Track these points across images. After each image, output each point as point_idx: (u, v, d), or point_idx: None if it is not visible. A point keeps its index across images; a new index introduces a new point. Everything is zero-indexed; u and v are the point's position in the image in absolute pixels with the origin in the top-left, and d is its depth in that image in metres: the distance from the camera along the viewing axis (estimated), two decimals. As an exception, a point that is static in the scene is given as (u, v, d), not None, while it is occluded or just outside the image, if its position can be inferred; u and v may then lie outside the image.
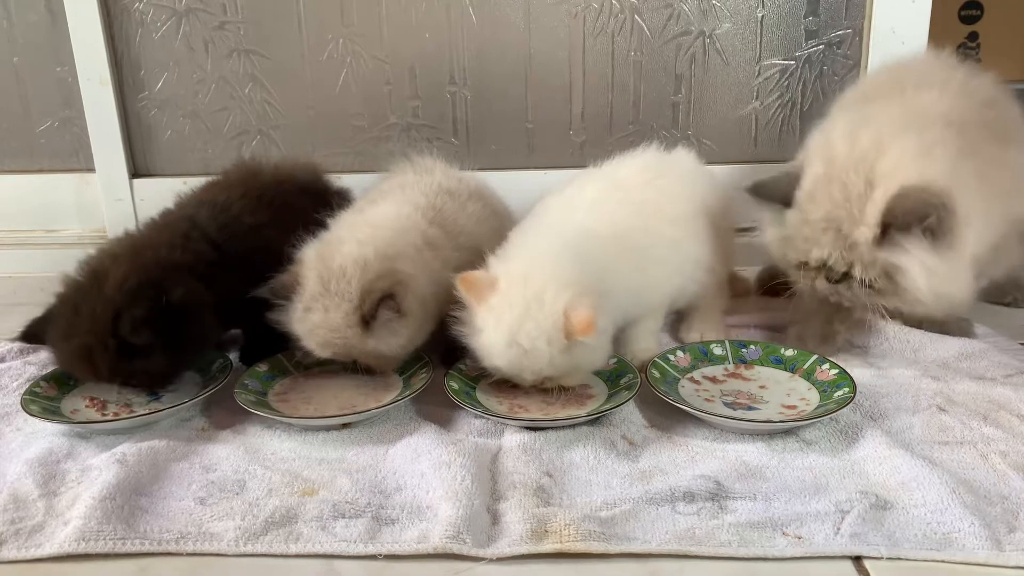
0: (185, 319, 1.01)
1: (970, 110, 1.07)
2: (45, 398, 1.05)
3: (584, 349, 0.98)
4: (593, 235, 1.08)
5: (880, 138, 1.01)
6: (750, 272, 1.44)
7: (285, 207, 1.17)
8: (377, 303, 1.00)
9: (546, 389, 1.03)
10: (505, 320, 0.97)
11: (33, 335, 1.06)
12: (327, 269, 1.03)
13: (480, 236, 1.19)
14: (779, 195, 1.07)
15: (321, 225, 1.12)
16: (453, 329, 1.04)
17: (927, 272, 0.98)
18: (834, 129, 1.07)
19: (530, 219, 1.14)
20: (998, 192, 1.04)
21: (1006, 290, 1.36)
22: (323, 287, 1.02)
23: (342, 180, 1.40)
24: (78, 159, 1.66)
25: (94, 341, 0.99)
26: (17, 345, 1.26)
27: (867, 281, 1.01)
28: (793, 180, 1.05)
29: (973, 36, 2.92)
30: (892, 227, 0.97)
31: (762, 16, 1.51)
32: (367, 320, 1.01)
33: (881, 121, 1.04)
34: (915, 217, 0.96)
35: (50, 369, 1.12)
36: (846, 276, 1.03)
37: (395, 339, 1.04)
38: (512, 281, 0.98)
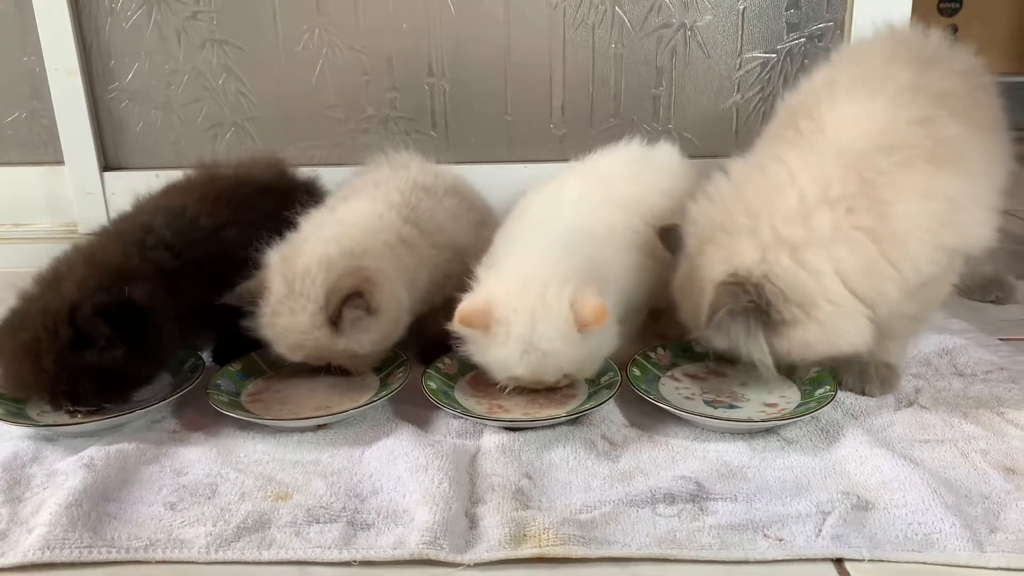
0: (146, 319, 0.97)
1: (898, 132, 0.96)
2: (11, 401, 1.02)
3: (598, 337, 0.98)
4: (580, 232, 1.06)
5: (710, 228, 0.98)
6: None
7: (245, 208, 1.14)
8: (342, 302, 0.98)
9: (552, 389, 1.03)
10: (516, 331, 0.95)
11: None
12: (291, 271, 1.00)
13: (457, 232, 1.17)
14: (673, 248, 1.05)
15: (288, 225, 1.09)
16: (432, 326, 1.02)
17: (783, 353, 0.95)
18: (704, 195, 1.02)
19: (513, 220, 1.12)
20: (924, 226, 0.94)
21: (989, 288, 1.36)
22: (288, 289, 1.00)
23: (319, 173, 1.37)
24: (47, 151, 1.62)
25: (43, 333, 0.94)
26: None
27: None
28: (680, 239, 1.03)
29: (953, 29, 2.94)
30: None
31: (743, 8, 1.50)
32: (334, 320, 0.99)
33: (734, 189, 1.00)
34: (732, 315, 0.93)
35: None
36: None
37: (367, 336, 1.02)
38: (511, 290, 0.97)
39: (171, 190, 1.19)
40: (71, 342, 0.94)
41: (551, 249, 1.01)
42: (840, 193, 0.93)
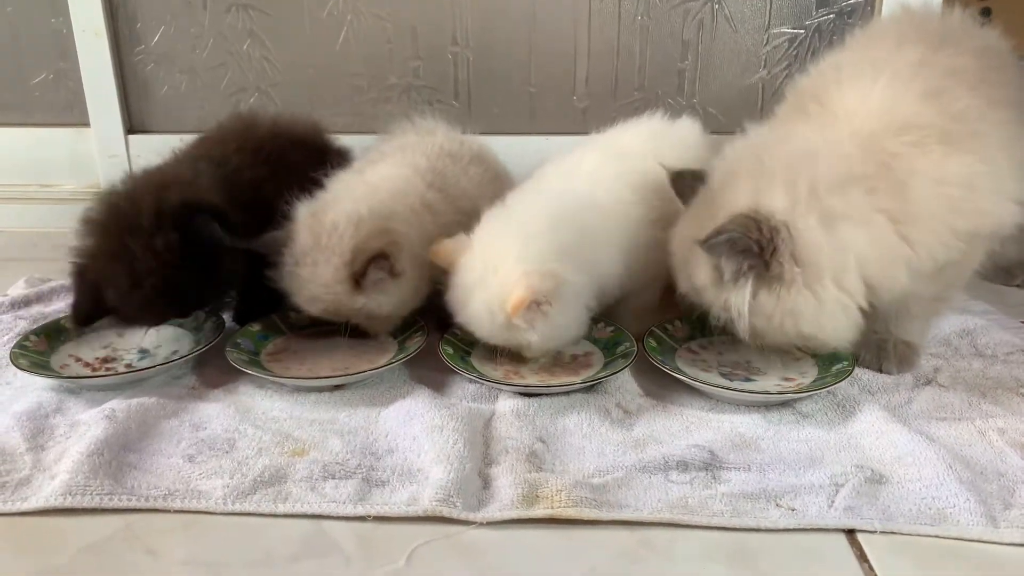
0: (229, 227, 1.00)
1: (906, 108, 0.94)
2: (35, 352, 1.04)
3: (523, 331, 0.96)
4: (590, 204, 1.06)
5: (735, 171, 0.94)
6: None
7: (283, 162, 1.14)
8: (368, 261, 0.99)
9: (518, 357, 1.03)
10: (463, 283, 0.98)
11: (87, 316, 1.02)
12: (319, 224, 1.01)
13: (481, 200, 1.16)
14: (685, 194, 1.00)
15: (319, 184, 1.10)
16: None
17: (762, 312, 0.90)
18: (738, 143, 0.99)
19: (528, 183, 1.12)
20: (938, 213, 0.91)
21: (1015, 272, 1.34)
22: (315, 242, 1.00)
23: (341, 141, 1.37)
24: (72, 113, 1.63)
25: (145, 262, 0.95)
26: (8, 299, 1.25)
27: (725, 321, 0.94)
28: (697, 183, 0.98)
29: (986, 11, 2.88)
30: (713, 265, 0.90)
31: (773, -18, 1.48)
32: (357, 278, 0.99)
33: (767, 144, 0.96)
34: (721, 240, 0.88)
35: (41, 323, 1.11)
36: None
37: (386, 298, 1.02)
38: (482, 246, 0.98)
39: (206, 140, 1.19)
40: (182, 249, 0.97)
41: (536, 222, 0.99)
42: (862, 172, 0.91)
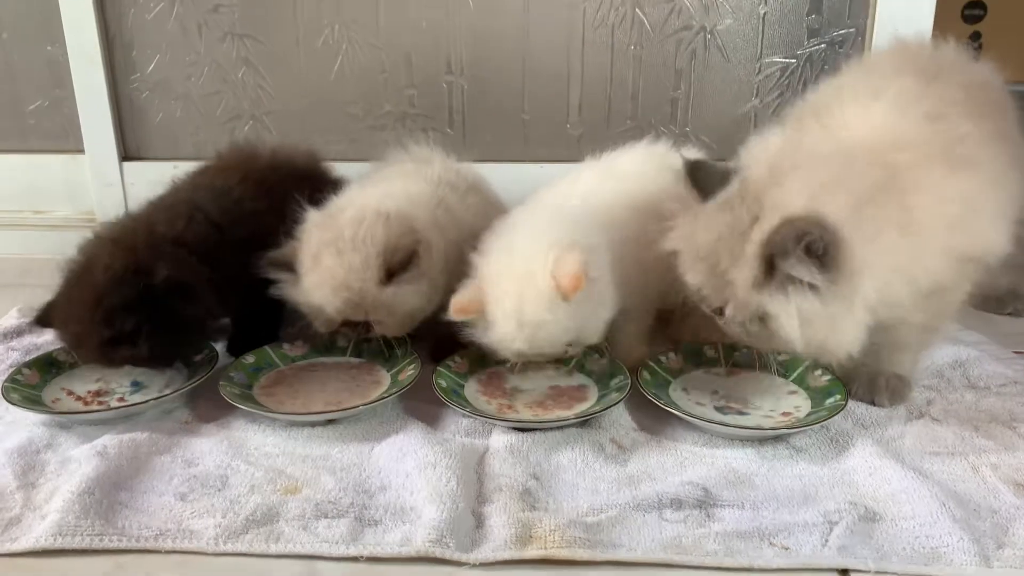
0: (174, 300, 0.99)
1: (909, 126, 0.94)
2: (27, 386, 1.04)
3: (589, 300, 0.96)
4: (577, 207, 1.07)
5: (781, 168, 0.90)
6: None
7: (284, 194, 1.14)
8: (408, 259, 1.00)
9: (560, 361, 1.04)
10: (508, 307, 0.96)
11: (43, 319, 1.05)
12: (338, 221, 1.02)
13: (477, 229, 1.17)
14: (703, 186, 0.95)
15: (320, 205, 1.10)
16: (443, 324, 1.03)
17: (803, 320, 0.87)
18: (760, 146, 0.97)
19: (522, 207, 1.12)
20: (939, 230, 0.91)
21: (1006, 301, 1.35)
22: (336, 234, 1.00)
23: (336, 168, 1.38)
24: (67, 140, 1.63)
25: (82, 329, 0.98)
26: (1, 329, 1.24)
27: (740, 321, 0.92)
28: (722, 180, 0.94)
29: (976, 36, 2.91)
30: (774, 264, 0.86)
31: (764, 13, 1.49)
32: (393, 271, 1.00)
33: (793, 147, 0.94)
34: (792, 240, 0.84)
35: (33, 356, 1.10)
36: (722, 311, 0.94)
37: (411, 294, 1.03)
38: (499, 271, 0.98)
39: (208, 170, 1.20)
40: (106, 340, 0.98)
41: (537, 223, 1.01)
42: (872, 184, 0.89)
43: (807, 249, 0.84)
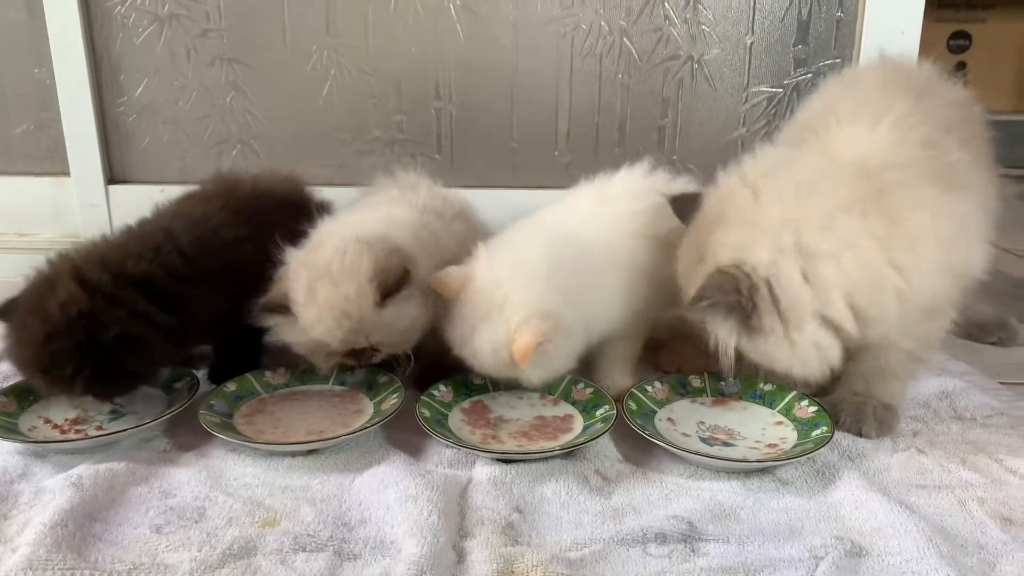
0: (120, 353, 0.97)
1: (907, 152, 0.97)
2: (3, 414, 1.02)
3: (525, 369, 0.98)
4: (580, 242, 1.06)
5: (732, 206, 0.96)
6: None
7: (264, 222, 1.14)
8: (401, 278, 1.01)
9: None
10: (466, 319, 0.98)
11: (3, 311, 1.03)
12: (323, 255, 1.02)
13: (463, 256, 1.17)
14: (683, 215, 1.02)
15: (300, 239, 1.09)
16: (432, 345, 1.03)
17: (755, 353, 0.94)
18: (735, 171, 1.00)
19: (524, 222, 1.12)
20: (932, 242, 0.93)
21: (990, 330, 1.35)
22: (323, 270, 1.01)
23: (323, 193, 1.38)
24: (53, 163, 1.63)
25: (26, 355, 0.98)
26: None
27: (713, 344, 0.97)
28: (696, 204, 1.00)
29: (961, 65, 2.95)
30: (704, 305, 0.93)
31: (751, 43, 1.50)
32: (387, 293, 1.01)
33: (760, 176, 0.96)
34: (711, 300, 0.92)
35: (10, 383, 1.09)
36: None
37: (410, 312, 1.04)
38: (487, 279, 0.99)
39: (190, 198, 1.19)
40: (44, 370, 0.97)
41: (539, 262, 1.00)
42: (855, 197, 0.92)
43: (714, 307, 0.92)
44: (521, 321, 0.95)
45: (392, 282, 1.01)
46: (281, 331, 1.05)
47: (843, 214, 0.91)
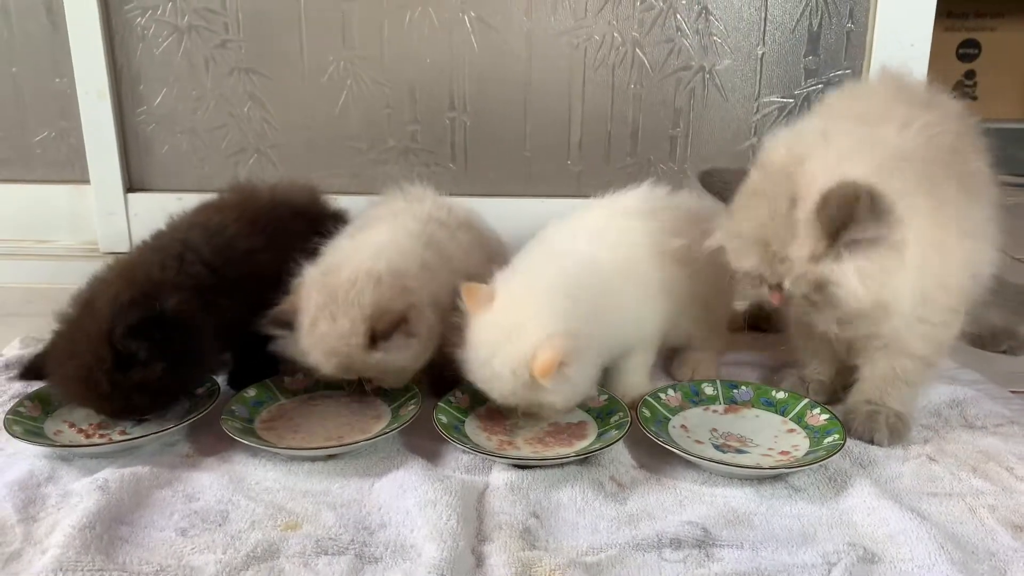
0: (181, 329, 1.00)
1: (934, 152, 1.00)
2: (29, 419, 1.04)
3: (545, 391, 0.97)
4: (596, 264, 1.08)
5: (805, 148, 0.97)
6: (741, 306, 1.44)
7: (280, 232, 1.16)
8: (394, 324, 1.01)
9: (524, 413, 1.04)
10: (486, 339, 0.98)
11: (33, 370, 1.05)
12: (335, 281, 1.03)
13: (469, 265, 1.19)
14: (720, 190, 1.03)
15: (315, 250, 1.11)
16: (445, 356, 1.04)
17: (862, 277, 0.92)
18: (779, 137, 1.02)
19: (536, 242, 1.14)
20: (958, 231, 0.97)
21: (1000, 338, 1.36)
22: (330, 298, 1.02)
23: (339, 202, 1.40)
24: (73, 170, 1.65)
25: (92, 359, 0.97)
26: (2, 359, 1.25)
27: (801, 294, 0.96)
28: (737, 179, 1.01)
29: (970, 74, 2.96)
30: (834, 234, 0.91)
31: (762, 54, 1.52)
32: (377, 337, 1.01)
33: (819, 138, 0.99)
34: (848, 206, 0.89)
35: (36, 387, 1.11)
36: (780, 287, 0.98)
37: (401, 356, 1.04)
38: (506, 301, 0.99)
39: (206, 208, 1.21)
40: (116, 362, 0.96)
41: (557, 282, 1.02)
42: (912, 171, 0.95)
43: (862, 210, 0.89)
44: (543, 339, 0.95)
45: (384, 327, 1.01)
46: (285, 345, 1.07)
47: (907, 166, 0.94)
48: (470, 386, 1.08)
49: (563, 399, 1.01)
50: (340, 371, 1.04)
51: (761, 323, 1.39)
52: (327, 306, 1.02)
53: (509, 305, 1.00)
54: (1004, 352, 1.37)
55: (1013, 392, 1.21)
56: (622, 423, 1.03)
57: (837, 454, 0.97)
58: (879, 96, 1.10)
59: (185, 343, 1.01)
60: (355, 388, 1.10)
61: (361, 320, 1.01)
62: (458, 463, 1.00)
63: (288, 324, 1.04)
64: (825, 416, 1.05)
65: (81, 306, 1.02)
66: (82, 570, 0.79)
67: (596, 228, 1.14)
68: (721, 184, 1.03)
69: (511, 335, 0.97)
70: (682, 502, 0.93)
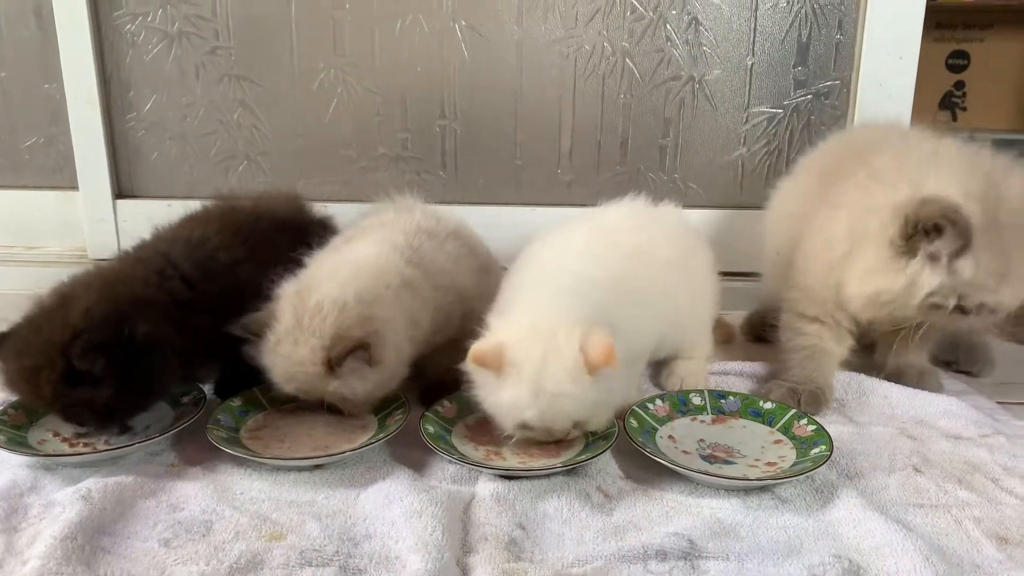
0: (143, 358, 0.99)
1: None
2: (12, 427, 1.03)
3: (609, 381, 0.96)
4: (588, 280, 1.07)
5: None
6: (734, 317, 1.44)
7: (263, 243, 1.15)
8: (347, 351, 0.99)
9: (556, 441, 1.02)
10: (527, 373, 0.94)
11: None
12: (304, 305, 1.02)
13: (459, 275, 1.18)
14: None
15: (299, 263, 1.11)
16: (431, 369, 1.03)
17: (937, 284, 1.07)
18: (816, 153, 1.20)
19: (521, 267, 1.12)
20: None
21: (969, 359, 1.35)
22: (296, 322, 1.01)
23: (328, 209, 1.39)
24: (62, 176, 1.65)
25: (43, 361, 0.95)
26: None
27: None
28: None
29: (960, 85, 2.97)
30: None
31: (752, 64, 1.53)
32: (334, 364, 1.00)
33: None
34: (957, 227, 1.03)
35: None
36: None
37: (361, 385, 1.03)
38: (523, 334, 0.97)
39: (190, 221, 1.20)
40: (66, 375, 0.95)
41: (561, 294, 1.01)
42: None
43: (957, 228, 1.04)
44: (584, 334, 0.94)
45: (338, 353, 1.00)
46: (256, 352, 1.06)
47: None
48: (457, 396, 1.08)
49: (625, 387, 1.04)
50: (301, 394, 1.05)
51: (764, 333, 1.38)
52: (292, 332, 1.01)
53: (530, 334, 0.96)
54: (969, 374, 1.35)
55: (999, 403, 1.21)
56: (609, 433, 1.03)
57: (823, 465, 0.97)
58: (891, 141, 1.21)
59: (141, 373, 0.99)
60: (326, 408, 1.08)
61: (320, 349, 1.00)
62: (444, 473, 0.99)
63: (257, 334, 1.04)
64: (812, 427, 1.06)
65: (54, 304, 1.00)
66: (63, 582, 0.78)
67: (583, 245, 1.13)
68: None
69: (549, 355, 0.94)
70: (668, 513, 0.93)
